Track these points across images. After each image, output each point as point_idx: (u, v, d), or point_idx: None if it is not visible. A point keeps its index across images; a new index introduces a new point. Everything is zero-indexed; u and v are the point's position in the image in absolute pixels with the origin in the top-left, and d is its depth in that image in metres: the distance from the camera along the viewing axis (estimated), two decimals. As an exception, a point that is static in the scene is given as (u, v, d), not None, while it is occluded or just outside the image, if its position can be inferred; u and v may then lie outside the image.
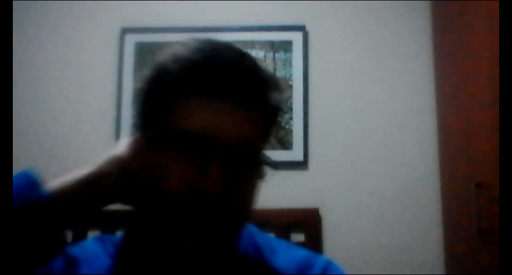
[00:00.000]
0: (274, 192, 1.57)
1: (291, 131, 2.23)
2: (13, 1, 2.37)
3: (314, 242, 2.08)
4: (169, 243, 0.69)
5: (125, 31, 2.36)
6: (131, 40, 2.35)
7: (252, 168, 0.70)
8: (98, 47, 2.38)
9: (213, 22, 2.35)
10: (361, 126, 2.25)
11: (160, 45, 2.31)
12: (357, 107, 2.27)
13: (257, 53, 2.28)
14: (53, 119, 2.32)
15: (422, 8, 2.31)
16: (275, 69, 2.27)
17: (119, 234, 0.84)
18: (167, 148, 0.68)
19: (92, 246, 0.83)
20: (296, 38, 2.32)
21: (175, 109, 0.69)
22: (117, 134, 2.26)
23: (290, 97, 2.25)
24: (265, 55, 2.30)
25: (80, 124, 2.31)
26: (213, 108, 0.67)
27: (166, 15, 2.38)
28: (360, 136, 2.24)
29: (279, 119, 0.82)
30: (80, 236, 2.17)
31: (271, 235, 1.00)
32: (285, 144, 2.22)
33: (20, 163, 2.30)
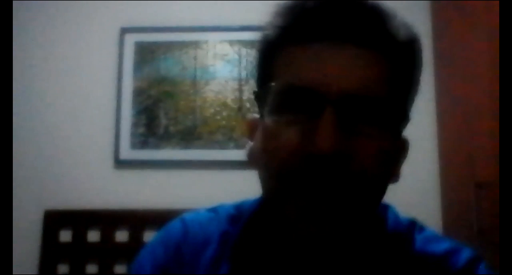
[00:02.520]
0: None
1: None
2: (13, 1, 2.37)
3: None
4: (289, 234, 0.57)
5: (124, 31, 2.36)
6: (130, 40, 2.35)
7: (377, 125, 0.56)
8: (98, 47, 2.38)
9: (213, 21, 2.34)
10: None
11: (159, 45, 2.32)
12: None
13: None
14: (53, 119, 2.31)
15: (422, 8, 2.32)
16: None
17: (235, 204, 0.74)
18: (272, 110, 0.57)
19: (197, 227, 0.72)
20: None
21: (278, 64, 0.59)
22: (117, 135, 2.26)
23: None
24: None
25: (80, 124, 2.31)
26: (316, 54, 0.56)
27: (166, 14, 2.37)
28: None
29: (418, 59, 0.63)
30: (80, 235, 2.17)
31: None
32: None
33: (20, 163, 2.32)
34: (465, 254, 0.66)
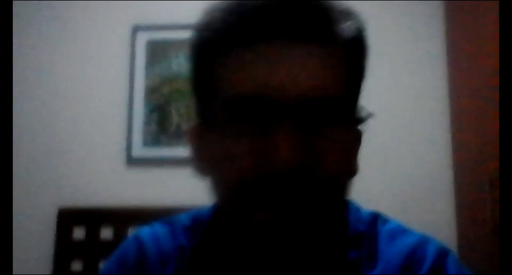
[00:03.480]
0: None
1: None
2: (26, 0, 2.38)
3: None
4: (252, 248, 0.55)
5: (136, 28, 2.36)
6: (142, 38, 2.35)
7: (339, 125, 0.52)
8: (110, 45, 2.39)
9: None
10: (372, 122, 2.24)
11: (171, 43, 2.32)
12: (368, 102, 2.25)
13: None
14: (66, 118, 2.32)
15: (435, 6, 2.30)
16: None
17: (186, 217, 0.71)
18: (221, 122, 0.53)
19: (151, 243, 0.69)
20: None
21: (221, 70, 0.53)
22: (129, 133, 2.27)
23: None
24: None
25: (92, 122, 2.32)
26: (265, 56, 0.50)
27: (178, 12, 2.37)
28: (371, 132, 2.23)
29: (366, 48, 0.58)
30: (93, 233, 2.18)
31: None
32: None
33: (33, 162, 2.33)
34: (432, 248, 0.64)
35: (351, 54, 0.55)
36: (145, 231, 0.71)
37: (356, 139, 0.60)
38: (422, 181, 2.20)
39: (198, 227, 0.67)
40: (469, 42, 2.00)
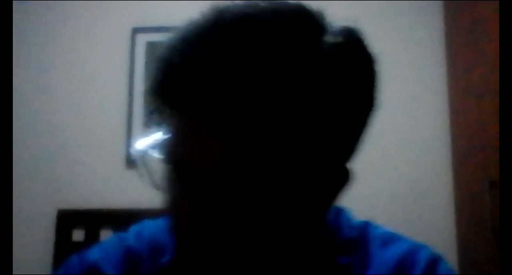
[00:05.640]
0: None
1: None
2: (26, 1, 2.38)
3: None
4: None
5: (136, 31, 2.36)
6: (142, 40, 2.35)
7: (222, 195, 0.51)
8: (110, 47, 2.39)
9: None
10: (372, 122, 2.24)
11: (171, 45, 2.31)
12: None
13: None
14: (66, 120, 2.33)
15: (435, 8, 2.30)
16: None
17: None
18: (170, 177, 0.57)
19: (153, 233, 0.72)
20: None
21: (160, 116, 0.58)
22: (129, 134, 2.27)
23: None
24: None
25: (92, 124, 2.32)
26: (177, 126, 0.54)
27: (177, 14, 2.36)
28: (371, 134, 2.23)
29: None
30: (93, 235, 2.18)
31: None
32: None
33: (33, 163, 2.33)
34: (424, 254, 0.64)
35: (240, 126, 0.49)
36: (150, 221, 0.75)
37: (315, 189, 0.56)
38: (422, 181, 2.20)
39: None
40: (469, 42, 2.01)
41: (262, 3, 0.52)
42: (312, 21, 0.53)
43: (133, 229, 0.74)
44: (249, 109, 0.48)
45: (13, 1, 2.20)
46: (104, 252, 0.70)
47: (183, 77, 0.50)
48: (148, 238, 0.71)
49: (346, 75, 0.53)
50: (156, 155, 0.57)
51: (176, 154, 0.53)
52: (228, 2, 0.56)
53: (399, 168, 2.20)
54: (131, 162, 2.26)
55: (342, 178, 0.59)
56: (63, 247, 2.16)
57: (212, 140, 0.50)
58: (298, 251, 0.60)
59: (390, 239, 0.67)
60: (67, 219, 2.19)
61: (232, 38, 0.50)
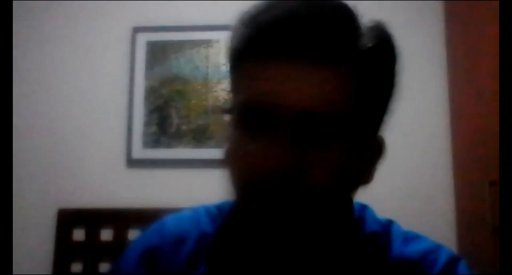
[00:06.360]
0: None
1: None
2: (26, 1, 2.38)
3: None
4: (259, 242, 0.60)
5: (136, 30, 2.36)
6: (142, 39, 2.35)
7: (338, 141, 0.55)
8: (110, 46, 2.39)
9: (224, 20, 2.34)
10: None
11: (171, 44, 2.32)
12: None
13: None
14: (66, 119, 2.33)
15: (435, 7, 2.30)
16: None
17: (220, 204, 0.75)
18: (235, 123, 0.58)
19: (173, 226, 0.73)
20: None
21: (239, 77, 0.60)
22: (129, 134, 2.27)
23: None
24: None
25: (92, 123, 2.32)
26: (272, 71, 0.55)
27: (177, 14, 2.38)
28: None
29: (388, 63, 0.62)
30: (93, 234, 2.18)
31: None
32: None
33: (33, 163, 2.33)
34: (444, 253, 0.66)
35: (363, 73, 0.57)
36: (171, 215, 0.76)
37: (370, 150, 0.63)
38: (422, 181, 2.20)
39: (221, 215, 0.72)
40: (469, 42, 2.01)
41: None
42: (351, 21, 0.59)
43: (155, 225, 0.77)
44: (348, 58, 0.56)
45: (13, 1, 2.21)
46: (126, 260, 0.73)
47: (297, 25, 0.54)
48: (169, 232, 0.72)
49: (391, 59, 0.62)
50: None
51: (280, 95, 0.54)
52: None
53: (399, 168, 2.20)
54: (131, 161, 2.27)
55: (380, 147, 0.65)
56: (64, 247, 2.16)
57: (323, 82, 0.54)
58: (332, 236, 0.63)
59: (412, 237, 0.69)
60: (68, 219, 2.19)
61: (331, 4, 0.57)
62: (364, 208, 0.72)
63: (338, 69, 0.55)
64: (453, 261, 0.66)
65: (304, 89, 0.54)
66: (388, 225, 0.71)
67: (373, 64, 0.58)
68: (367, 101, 0.58)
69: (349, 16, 0.57)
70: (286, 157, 0.53)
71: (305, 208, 0.55)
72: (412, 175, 2.20)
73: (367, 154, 0.61)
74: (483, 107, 1.84)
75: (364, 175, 0.63)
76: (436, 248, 0.67)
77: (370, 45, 0.57)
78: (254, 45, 0.56)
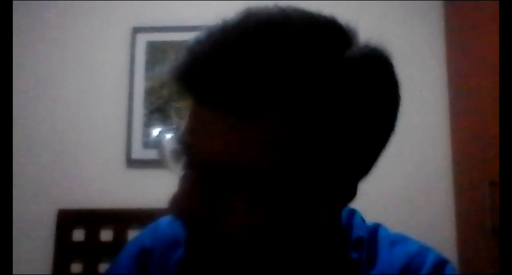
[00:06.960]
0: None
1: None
2: (27, 1, 2.38)
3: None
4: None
5: (136, 30, 2.36)
6: (142, 40, 2.35)
7: (249, 197, 0.52)
8: (110, 47, 2.39)
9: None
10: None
11: (171, 44, 2.32)
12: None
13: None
14: (66, 119, 2.33)
15: (435, 8, 2.30)
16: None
17: None
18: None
19: (167, 229, 0.73)
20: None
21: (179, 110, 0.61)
22: (129, 133, 2.27)
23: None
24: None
25: (92, 124, 2.32)
26: (194, 111, 0.54)
27: (178, 14, 2.38)
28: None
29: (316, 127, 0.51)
30: (93, 235, 2.18)
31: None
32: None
33: (33, 163, 2.33)
34: (432, 256, 0.66)
35: (297, 123, 0.50)
36: (165, 217, 0.76)
37: (331, 195, 0.57)
38: (422, 182, 2.20)
39: None
40: (469, 42, 2.01)
41: (295, 11, 0.54)
42: (340, 34, 0.54)
43: (149, 227, 0.77)
44: (268, 106, 0.49)
45: (13, 1, 2.21)
46: (120, 261, 0.74)
47: (208, 66, 0.50)
48: (163, 234, 0.73)
49: (365, 91, 0.53)
50: (171, 141, 0.59)
51: (189, 142, 0.54)
52: (239, 5, 0.59)
53: (399, 168, 2.20)
54: (131, 161, 2.26)
55: (350, 195, 0.59)
56: (63, 247, 2.16)
57: (230, 132, 0.50)
58: (311, 246, 0.62)
59: (399, 240, 0.68)
60: (68, 219, 2.19)
61: (257, 36, 0.51)
62: (352, 214, 0.70)
63: (253, 121, 0.49)
64: (440, 263, 0.65)
65: (213, 138, 0.51)
66: (375, 228, 0.70)
67: (315, 112, 0.50)
68: (305, 152, 0.51)
69: (294, 55, 0.49)
70: (194, 203, 0.54)
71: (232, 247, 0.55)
72: (411, 175, 2.20)
73: (323, 196, 0.56)
74: (483, 107, 1.84)
75: (318, 217, 0.57)
76: (423, 251, 0.66)
77: (309, 93, 0.49)
78: (183, 82, 0.54)
